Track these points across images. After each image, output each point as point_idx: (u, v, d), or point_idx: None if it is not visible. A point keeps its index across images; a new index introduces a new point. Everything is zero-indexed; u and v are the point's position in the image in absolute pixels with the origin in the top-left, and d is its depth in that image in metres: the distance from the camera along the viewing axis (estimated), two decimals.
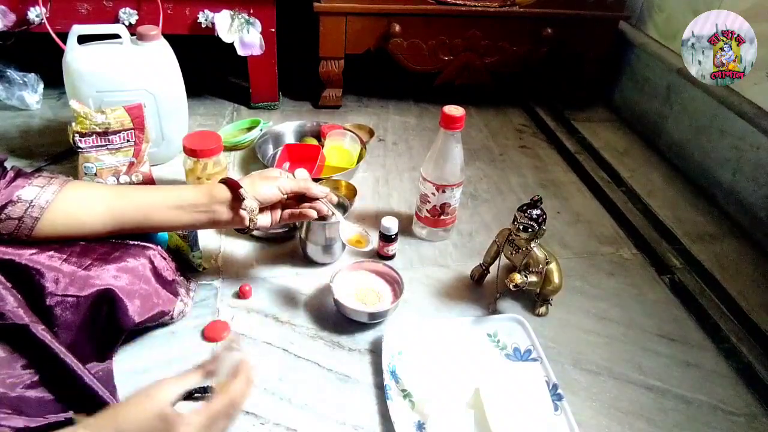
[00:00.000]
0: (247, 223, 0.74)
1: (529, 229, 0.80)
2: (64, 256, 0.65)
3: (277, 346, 0.79)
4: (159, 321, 0.76)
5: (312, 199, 0.80)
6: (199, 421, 0.52)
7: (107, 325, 0.68)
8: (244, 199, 0.73)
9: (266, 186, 0.75)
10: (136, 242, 0.73)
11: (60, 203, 0.64)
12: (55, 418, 0.57)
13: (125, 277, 0.68)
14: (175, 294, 0.77)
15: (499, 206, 1.14)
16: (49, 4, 1.12)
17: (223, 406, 0.54)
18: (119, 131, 0.97)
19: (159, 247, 0.76)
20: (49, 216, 0.63)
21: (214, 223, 0.74)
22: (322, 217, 0.81)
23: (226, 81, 1.53)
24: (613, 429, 0.72)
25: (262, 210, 0.77)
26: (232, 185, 0.74)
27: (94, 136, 0.96)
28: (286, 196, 0.78)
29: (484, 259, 0.91)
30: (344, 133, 1.20)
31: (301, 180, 0.81)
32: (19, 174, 0.64)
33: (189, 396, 0.55)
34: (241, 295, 0.86)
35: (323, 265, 0.94)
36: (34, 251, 0.64)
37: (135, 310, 0.69)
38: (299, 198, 0.81)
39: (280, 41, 1.32)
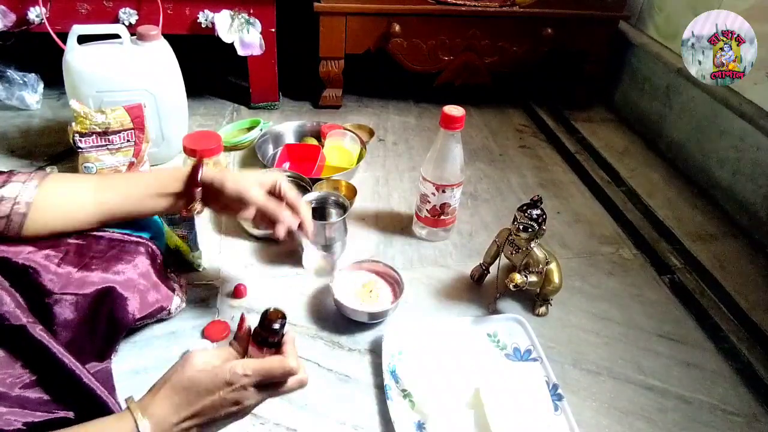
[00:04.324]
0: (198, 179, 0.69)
1: (529, 229, 0.80)
2: (61, 255, 0.65)
3: None
4: (157, 317, 0.76)
5: (290, 205, 0.74)
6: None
7: (107, 323, 0.68)
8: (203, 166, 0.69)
9: (243, 180, 0.71)
10: (132, 238, 0.73)
11: (48, 198, 0.63)
12: (54, 416, 0.57)
13: (124, 274, 0.68)
14: (172, 289, 0.78)
15: (499, 206, 1.14)
16: (49, 4, 1.12)
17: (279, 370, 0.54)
18: (119, 131, 0.97)
19: (155, 243, 0.76)
20: (38, 212, 0.62)
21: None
22: (322, 217, 0.80)
23: (226, 81, 1.53)
24: (613, 429, 0.72)
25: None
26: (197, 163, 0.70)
27: (94, 136, 0.96)
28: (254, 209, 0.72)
29: (484, 259, 0.91)
30: (344, 133, 1.20)
31: (270, 202, 0.72)
32: None
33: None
34: (236, 294, 0.86)
35: None
36: (30, 250, 0.63)
37: (135, 307, 0.69)
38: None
39: (280, 41, 1.32)
